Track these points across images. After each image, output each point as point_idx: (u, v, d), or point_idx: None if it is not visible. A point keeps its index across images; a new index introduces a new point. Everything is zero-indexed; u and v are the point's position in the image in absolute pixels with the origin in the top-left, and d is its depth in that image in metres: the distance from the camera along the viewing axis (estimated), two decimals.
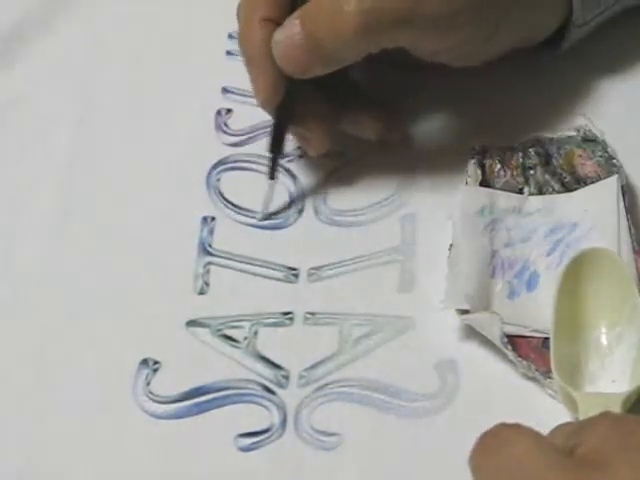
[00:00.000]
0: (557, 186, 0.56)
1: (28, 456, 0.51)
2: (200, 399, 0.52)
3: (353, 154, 0.60)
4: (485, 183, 0.56)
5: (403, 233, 0.57)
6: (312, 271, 0.56)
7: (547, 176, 0.57)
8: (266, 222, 0.58)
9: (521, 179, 0.57)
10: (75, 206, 0.59)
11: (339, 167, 0.60)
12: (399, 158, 0.60)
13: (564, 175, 0.57)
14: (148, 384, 0.53)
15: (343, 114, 0.58)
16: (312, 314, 0.54)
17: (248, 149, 0.61)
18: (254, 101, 0.61)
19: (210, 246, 0.57)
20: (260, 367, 0.53)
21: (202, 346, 0.54)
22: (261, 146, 0.61)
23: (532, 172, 0.57)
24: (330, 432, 0.51)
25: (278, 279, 0.56)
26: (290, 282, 0.56)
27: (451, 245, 0.54)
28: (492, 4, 0.54)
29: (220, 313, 0.55)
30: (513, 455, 0.39)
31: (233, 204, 0.59)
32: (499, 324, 0.50)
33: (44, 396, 0.53)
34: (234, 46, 0.65)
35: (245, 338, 0.54)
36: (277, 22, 0.55)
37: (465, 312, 0.52)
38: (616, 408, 0.46)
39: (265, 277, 0.56)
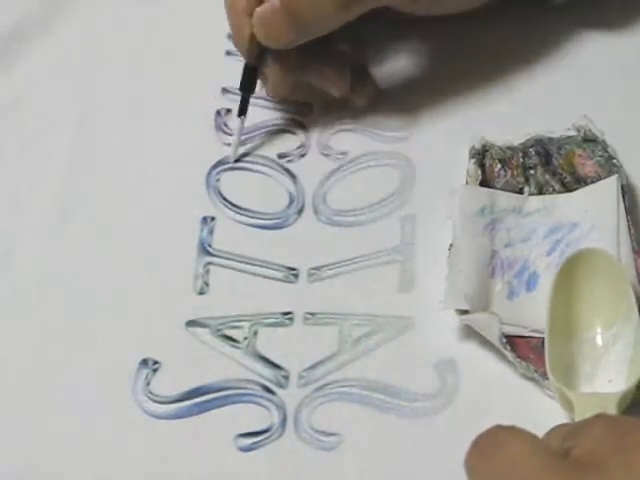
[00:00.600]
0: (557, 186, 0.56)
1: (28, 456, 0.51)
2: (200, 399, 0.52)
3: (353, 153, 0.60)
4: (485, 183, 0.56)
5: (403, 233, 0.57)
6: (312, 271, 0.56)
7: (547, 176, 0.57)
8: (266, 222, 0.58)
9: (521, 179, 0.57)
10: (75, 206, 0.59)
11: (339, 167, 0.60)
12: (399, 158, 0.60)
13: (564, 175, 0.57)
14: (148, 384, 0.53)
15: (312, 66, 0.60)
16: (312, 314, 0.54)
17: (248, 149, 0.61)
18: (254, 101, 0.61)
19: (210, 246, 0.57)
20: (260, 367, 0.53)
21: (202, 346, 0.54)
22: (261, 146, 0.61)
23: (532, 172, 0.57)
24: (330, 432, 0.51)
25: (278, 279, 0.56)
26: (290, 282, 0.56)
27: (451, 245, 0.54)
28: None
29: (220, 313, 0.55)
30: (508, 457, 0.39)
31: (233, 204, 0.59)
32: (498, 324, 0.50)
33: (44, 396, 0.53)
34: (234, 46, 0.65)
35: (245, 338, 0.54)
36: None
37: (464, 312, 0.52)
38: (612, 408, 0.46)
39: (265, 277, 0.56)
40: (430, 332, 0.53)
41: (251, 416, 0.51)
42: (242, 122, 0.60)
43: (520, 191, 0.56)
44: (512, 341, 0.51)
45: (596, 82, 0.61)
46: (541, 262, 0.54)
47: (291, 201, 0.59)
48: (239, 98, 0.63)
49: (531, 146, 0.57)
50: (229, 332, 0.54)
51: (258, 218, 0.58)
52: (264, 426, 0.51)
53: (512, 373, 0.51)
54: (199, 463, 0.50)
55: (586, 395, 0.48)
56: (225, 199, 0.59)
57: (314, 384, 0.52)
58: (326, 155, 0.60)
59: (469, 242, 0.54)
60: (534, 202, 0.56)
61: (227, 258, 0.57)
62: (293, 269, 0.56)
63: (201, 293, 0.56)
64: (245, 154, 0.61)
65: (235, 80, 0.63)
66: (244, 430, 0.51)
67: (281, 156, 0.61)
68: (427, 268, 0.55)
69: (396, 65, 0.63)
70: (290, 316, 0.54)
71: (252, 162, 0.61)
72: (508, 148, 0.58)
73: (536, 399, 0.50)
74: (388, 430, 0.50)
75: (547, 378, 0.49)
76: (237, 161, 0.60)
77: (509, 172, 0.57)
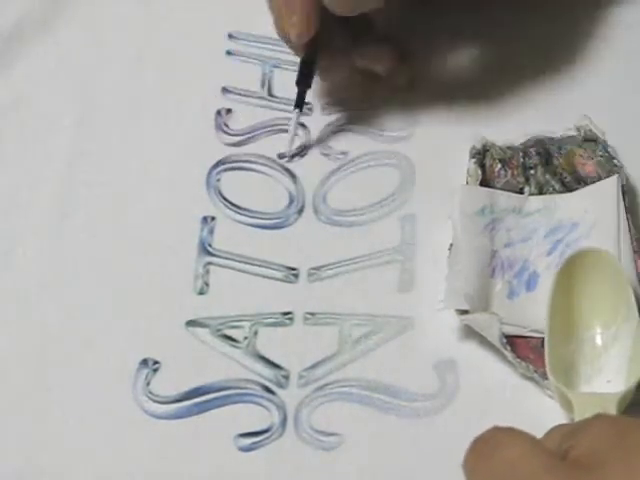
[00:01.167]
0: (558, 186, 0.56)
1: (28, 456, 0.51)
2: (200, 399, 0.52)
3: (353, 153, 0.60)
4: (485, 183, 0.56)
5: (403, 233, 0.57)
6: (312, 271, 0.56)
7: (548, 176, 0.57)
8: (266, 222, 0.58)
9: (522, 179, 0.57)
10: (75, 206, 0.59)
11: (339, 167, 0.60)
12: (399, 158, 0.60)
13: (564, 175, 0.57)
14: (148, 384, 0.53)
15: (355, 48, 0.60)
16: (312, 314, 0.54)
17: (248, 149, 0.61)
18: (254, 101, 0.61)
19: (210, 246, 0.57)
20: (260, 367, 0.53)
21: (202, 346, 0.54)
22: (261, 146, 0.61)
23: (533, 172, 0.57)
24: (330, 432, 0.51)
25: (278, 279, 0.56)
26: (290, 282, 0.56)
27: (451, 245, 0.54)
28: None
29: (220, 313, 0.55)
30: (507, 459, 0.39)
31: (233, 204, 0.59)
32: (498, 325, 0.50)
33: (44, 396, 0.53)
34: (234, 46, 0.65)
35: (245, 338, 0.54)
36: None
37: (464, 312, 0.52)
38: (611, 408, 0.46)
39: (265, 277, 0.56)
40: (430, 332, 0.53)
41: (251, 416, 0.51)
42: (297, 118, 0.60)
43: (520, 191, 0.56)
44: (512, 341, 0.51)
45: (596, 82, 0.61)
46: (541, 262, 0.54)
47: (291, 201, 0.59)
48: (239, 98, 0.63)
49: (531, 146, 0.57)
50: (229, 332, 0.54)
51: (258, 218, 0.58)
52: (264, 426, 0.51)
53: (512, 373, 0.51)
54: (199, 463, 0.50)
55: (586, 395, 0.48)
56: (225, 199, 0.59)
57: (314, 384, 0.52)
58: (326, 155, 0.60)
59: (469, 242, 0.54)
60: (534, 202, 0.56)
61: (227, 258, 0.57)
62: (293, 269, 0.56)
63: (201, 293, 0.56)
64: (245, 154, 0.61)
65: (235, 80, 0.63)
66: (244, 430, 0.51)
67: (281, 156, 0.61)
68: (427, 268, 0.55)
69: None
70: (290, 316, 0.54)
71: (252, 162, 0.61)
72: (508, 148, 0.58)
73: (536, 399, 0.50)
74: (388, 430, 0.50)
75: (547, 378, 0.49)
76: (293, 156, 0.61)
77: (509, 172, 0.57)
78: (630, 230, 0.53)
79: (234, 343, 0.54)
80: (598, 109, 0.58)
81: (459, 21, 0.63)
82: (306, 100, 0.61)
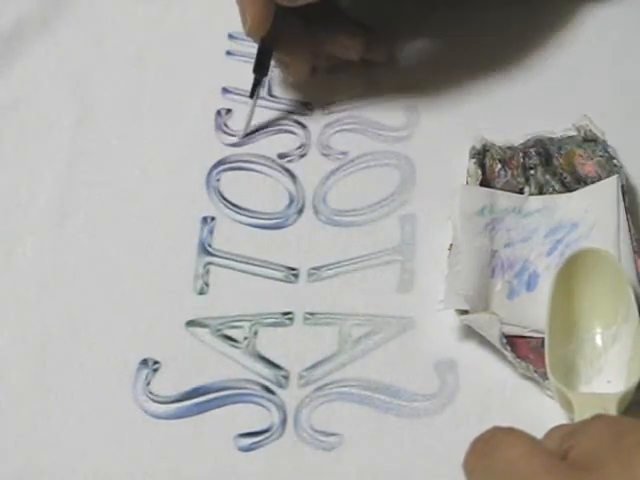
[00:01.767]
0: (557, 186, 0.56)
1: (28, 456, 0.51)
2: (200, 399, 0.52)
3: (353, 153, 0.60)
4: (485, 183, 0.56)
5: (403, 233, 0.57)
6: (312, 271, 0.56)
7: (548, 176, 0.57)
8: (266, 222, 0.58)
9: (522, 179, 0.57)
10: (75, 206, 0.59)
11: (339, 167, 0.60)
12: (399, 158, 0.60)
13: (565, 175, 0.57)
14: (148, 384, 0.53)
15: (324, 36, 0.60)
16: (312, 314, 0.54)
17: (248, 149, 0.61)
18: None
19: (210, 246, 0.57)
20: (260, 367, 0.53)
21: (202, 346, 0.54)
22: (261, 146, 0.61)
23: (533, 172, 0.57)
24: (330, 432, 0.51)
25: (278, 279, 0.56)
26: (290, 282, 0.56)
27: (451, 245, 0.54)
28: None
29: (220, 313, 0.55)
30: (506, 459, 0.39)
31: (233, 204, 0.59)
32: (498, 325, 0.50)
33: (44, 396, 0.53)
34: (234, 46, 0.65)
35: (245, 338, 0.54)
36: None
37: (464, 312, 0.52)
38: (611, 408, 0.46)
39: (265, 277, 0.56)
40: (430, 332, 0.53)
41: (251, 416, 0.51)
42: (254, 105, 0.61)
43: (520, 191, 0.56)
44: (512, 341, 0.51)
45: (596, 82, 0.61)
46: (541, 262, 0.54)
47: (291, 201, 0.59)
48: (239, 98, 0.63)
49: (531, 146, 0.57)
50: (229, 332, 0.54)
51: (258, 218, 0.58)
52: (264, 426, 0.51)
53: (512, 373, 0.51)
54: (199, 463, 0.50)
55: (586, 395, 0.48)
56: (225, 199, 0.59)
57: (314, 384, 0.52)
58: (326, 155, 0.60)
59: (469, 242, 0.54)
60: (534, 202, 0.56)
61: (227, 258, 0.57)
62: (293, 269, 0.56)
63: (201, 293, 0.56)
64: (245, 154, 0.61)
65: (235, 80, 0.63)
66: (244, 430, 0.51)
67: (281, 156, 0.61)
68: (427, 268, 0.55)
69: (396, 65, 0.63)
70: (290, 316, 0.54)
71: (252, 162, 0.61)
72: (508, 148, 0.58)
73: (536, 399, 0.50)
74: (388, 430, 0.50)
75: (547, 378, 0.49)
76: (245, 136, 0.61)
77: (509, 172, 0.57)
78: (630, 230, 0.53)
79: (234, 343, 0.54)
80: (598, 109, 0.58)
81: (459, 20, 0.63)
82: (306, 100, 0.61)
